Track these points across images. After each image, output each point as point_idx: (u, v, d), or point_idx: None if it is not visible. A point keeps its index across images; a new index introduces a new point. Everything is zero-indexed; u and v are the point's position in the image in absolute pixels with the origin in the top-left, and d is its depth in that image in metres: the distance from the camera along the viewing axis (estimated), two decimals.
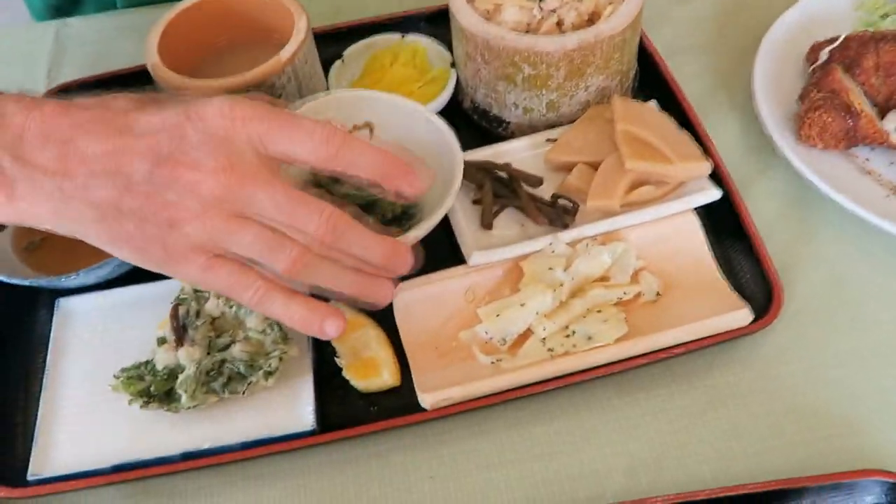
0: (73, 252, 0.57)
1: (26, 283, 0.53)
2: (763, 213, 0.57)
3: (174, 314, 0.50)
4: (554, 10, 0.59)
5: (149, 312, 0.53)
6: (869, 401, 0.48)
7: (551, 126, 0.61)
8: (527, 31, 0.58)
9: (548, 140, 0.60)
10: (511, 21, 0.58)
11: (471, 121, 0.64)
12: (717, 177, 0.56)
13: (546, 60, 0.57)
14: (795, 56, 0.65)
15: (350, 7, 0.75)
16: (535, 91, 0.59)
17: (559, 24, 0.59)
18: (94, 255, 0.55)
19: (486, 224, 0.55)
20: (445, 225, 0.56)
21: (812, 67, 0.63)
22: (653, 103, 0.61)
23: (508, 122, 0.62)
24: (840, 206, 0.55)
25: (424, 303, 0.52)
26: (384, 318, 0.52)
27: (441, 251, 0.55)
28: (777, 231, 0.56)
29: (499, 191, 0.56)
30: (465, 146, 0.60)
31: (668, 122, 0.58)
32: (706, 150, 0.57)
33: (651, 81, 0.64)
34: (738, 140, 0.63)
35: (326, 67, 0.65)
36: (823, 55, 0.62)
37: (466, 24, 0.58)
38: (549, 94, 0.59)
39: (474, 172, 0.57)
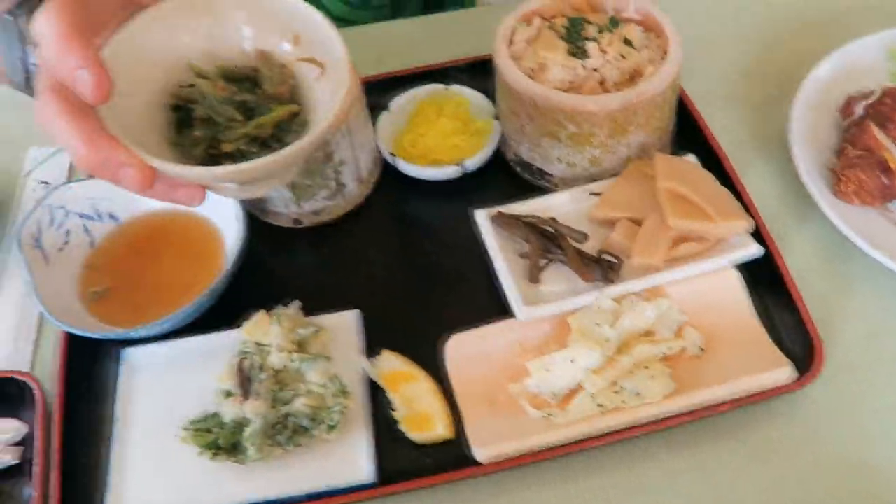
0: (136, 300, 0.60)
1: (95, 336, 0.55)
2: (800, 266, 0.59)
3: (240, 368, 0.52)
4: (596, 69, 0.61)
5: (211, 362, 0.55)
6: None
7: (593, 179, 0.63)
8: (570, 89, 0.61)
9: (590, 193, 0.62)
10: (555, 80, 0.61)
11: (514, 172, 0.67)
12: (756, 232, 0.58)
13: (590, 119, 0.59)
14: (830, 106, 0.67)
15: (391, 56, 0.78)
16: (578, 147, 0.61)
17: (602, 82, 0.61)
18: (158, 303, 0.59)
19: (533, 278, 0.58)
20: (494, 280, 0.58)
21: (847, 122, 0.64)
22: (692, 157, 0.63)
23: (552, 175, 0.64)
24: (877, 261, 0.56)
25: (475, 355, 0.55)
26: (437, 369, 0.54)
27: (490, 303, 0.58)
28: (815, 285, 0.58)
29: (545, 245, 0.59)
30: (509, 197, 0.63)
31: (708, 179, 0.60)
32: (745, 206, 0.59)
33: (688, 134, 0.66)
34: (775, 191, 0.65)
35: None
36: (858, 110, 0.64)
37: (513, 82, 0.60)
38: (592, 150, 0.61)
39: (521, 227, 0.59)
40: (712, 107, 0.70)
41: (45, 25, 0.40)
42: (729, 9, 0.80)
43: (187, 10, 0.46)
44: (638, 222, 0.58)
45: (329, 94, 0.45)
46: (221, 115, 0.46)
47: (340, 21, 0.83)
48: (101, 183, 0.61)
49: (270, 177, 0.47)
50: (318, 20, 0.46)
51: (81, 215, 0.62)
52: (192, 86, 0.47)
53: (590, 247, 0.59)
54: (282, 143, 0.46)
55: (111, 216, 0.63)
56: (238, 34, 0.47)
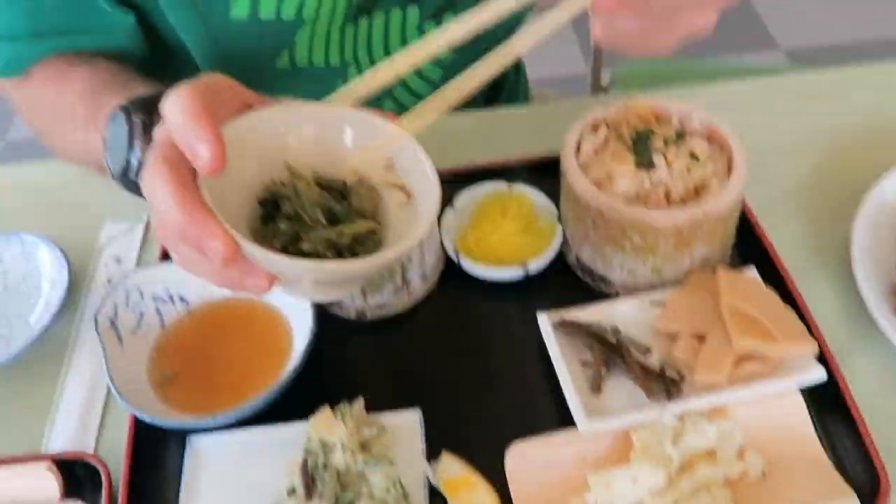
0: (204, 386, 0.62)
1: (164, 425, 0.57)
2: (863, 389, 0.58)
3: (304, 467, 0.53)
4: (662, 182, 0.62)
5: (275, 454, 0.56)
6: None
7: (654, 287, 0.64)
8: (636, 200, 0.62)
9: (652, 302, 0.63)
10: (622, 190, 0.62)
11: (574, 275, 0.68)
12: (818, 354, 0.58)
13: (655, 232, 0.60)
14: (894, 224, 0.68)
15: (454, 147, 0.80)
16: (641, 257, 0.62)
17: (667, 194, 0.62)
18: (225, 390, 0.61)
19: (596, 388, 0.58)
20: (554, 385, 0.59)
21: None
22: (753, 271, 0.64)
23: (612, 282, 0.65)
24: None
25: (536, 465, 0.55)
26: (496, 474, 0.55)
27: (550, 409, 0.58)
28: (877, 408, 0.58)
29: (608, 356, 0.59)
30: (569, 299, 0.64)
31: (771, 297, 0.60)
32: (808, 325, 0.59)
33: (749, 245, 0.67)
34: (836, 309, 0.65)
35: None
36: None
37: (580, 191, 0.62)
38: (654, 261, 0.62)
39: (584, 335, 0.60)
40: (774, 217, 0.71)
41: (176, 101, 0.43)
42: (794, 118, 0.82)
43: (297, 117, 0.49)
44: (700, 337, 0.59)
45: (412, 217, 0.47)
46: (309, 214, 0.48)
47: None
48: (176, 267, 0.65)
49: (349, 281, 0.49)
50: (419, 154, 0.48)
51: (155, 298, 0.64)
52: (283, 184, 0.49)
53: (652, 358, 0.59)
54: (355, 255, 0.48)
55: (182, 299, 0.65)
56: (338, 148, 0.50)
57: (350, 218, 0.49)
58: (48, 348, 0.67)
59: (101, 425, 0.63)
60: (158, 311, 0.64)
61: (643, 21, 0.50)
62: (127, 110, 0.57)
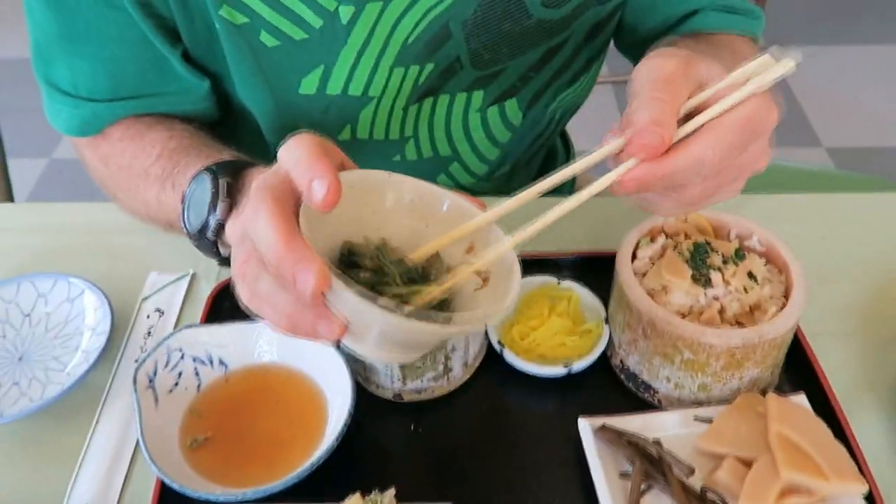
0: (234, 453, 0.61)
1: (193, 495, 0.56)
2: None
3: None
4: (717, 298, 0.62)
5: None
6: None
7: (699, 403, 0.63)
8: (689, 314, 0.61)
9: (696, 418, 0.61)
10: (677, 303, 0.61)
11: (616, 378, 0.67)
12: (867, 494, 0.56)
13: (708, 350, 0.59)
14: None
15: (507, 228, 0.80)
16: (690, 372, 0.61)
17: (721, 311, 0.61)
18: (255, 460, 0.60)
19: (633, 502, 0.57)
20: (589, 492, 0.57)
21: None
22: (802, 398, 0.62)
23: (657, 391, 0.64)
24: None
25: None
26: None
27: None
28: None
29: (648, 470, 0.58)
30: (610, 404, 0.63)
31: (821, 428, 0.59)
32: (857, 461, 0.58)
33: (799, 369, 0.66)
34: (886, 444, 0.63)
35: None
36: None
37: (634, 299, 0.61)
38: (703, 378, 0.61)
39: (625, 445, 0.59)
40: (825, 340, 0.69)
41: (298, 142, 0.45)
42: (852, 243, 0.81)
43: (399, 184, 0.51)
44: (745, 462, 0.57)
45: (484, 302, 0.48)
46: (389, 271, 0.48)
47: (463, 189, 0.86)
48: (223, 329, 0.64)
49: (417, 343, 0.48)
50: (502, 243, 0.48)
51: (195, 359, 0.64)
52: (368, 241, 0.50)
53: (694, 477, 0.58)
54: None
55: (221, 363, 0.65)
56: (429, 222, 0.51)
57: (426, 285, 0.48)
58: (81, 396, 0.67)
59: (127, 479, 0.62)
60: (197, 373, 0.64)
61: (667, 194, 0.50)
62: (213, 172, 0.58)
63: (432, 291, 0.48)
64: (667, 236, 0.66)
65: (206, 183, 0.58)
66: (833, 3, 2.61)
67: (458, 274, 0.48)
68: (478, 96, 0.77)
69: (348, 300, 0.43)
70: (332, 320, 0.43)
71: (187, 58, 0.72)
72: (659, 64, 0.48)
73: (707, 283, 0.62)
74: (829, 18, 2.77)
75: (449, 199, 0.51)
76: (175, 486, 0.55)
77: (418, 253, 0.50)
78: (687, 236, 0.67)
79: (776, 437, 0.57)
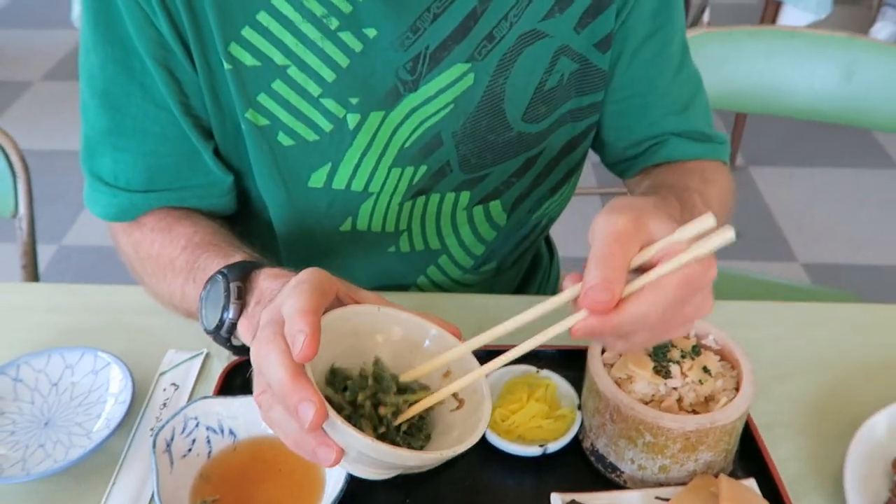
0: None
1: None
2: None
3: None
4: (676, 388, 0.69)
5: None
6: None
7: (660, 484, 0.70)
8: (651, 402, 0.69)
9: (657, 497, 0.68)
10: (640, 391, 0.69)
11: (587, 460, 0.74)
12: None
13: (666, 434, 0.67)
14: (885, 457, 0.73)
15: (490, 322, 0.88)
16: (651, 454, 0.68)
17: (679, 399, 0.69)
18: None
19: None
20: None
21: (895, 479, 0.71)
22: (752, 483, 0.69)
23: (622, 472, 0.71)
24: None
25: None
26: None
27: None
28: None
29: None
30: (580, 483, 0.70)
31: None
32: None
33: (750, 457, 0.73)
34: None
35: None
36: None
37: (602, 387, 0.69)
38: (663, 460, 0.68)
39: None
40: (775, 433, 0.77)
41: (293, 298, 0.54)
42: (804, 342, 0.89)
43: (388, 318, 0.61)
44: None
45: (458, 422, 0.58)
46: (387, 380, 0.58)
47: (451, 282, 0.95)
48: (234, 402, 0.72)
49: (401, 467, 0.57)
50: (478, 375, 0.58)
51: (208, 427, 0.71)
52: (362, 371, 0.60)
53: None
54: (407, 440, 0.58)
55: (231, 432, 0.72)
56: (414, 351, 0.61)
57: (415, 394, 0.58)
58: (99, 459, 0.73)
59: None
60: (209, 441, 0.71)
61: (618, 338, 0.57)
62: (226, 277, 0.67)
63: (421, 400, 0.58)
64: None
65: (220, 286, 0.67)
66: (807, 127, 2.79)
67: (440, 394, 0.58)
68: (465, 196, 0.88)
69: (341, 434, 0.52)
70: (330, 447, 0.53)
71: (216, 154, 0.82)
72: (612, 220, 0.54)
73: (667, 374, 0.70)
74: (805, 141, 2.95)
75: (433, 331, 0.62)
76: None
77: (408, 374, 0.60)
78: None
79: None
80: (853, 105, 1.44)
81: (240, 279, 0.67)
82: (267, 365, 0.52)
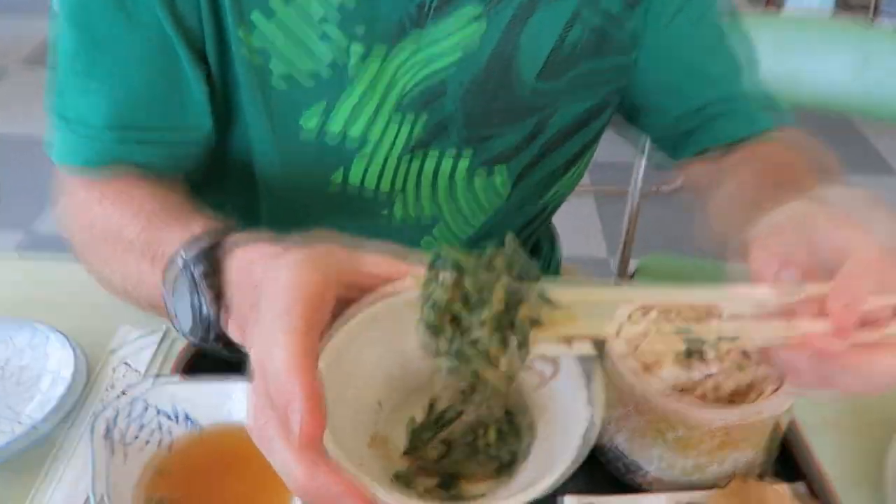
0: None
1: None
2: None
3: None
4: (711, 375, 0.59)
5: None
6: None
7: (691, 486, 0.60)
8: (682, 390, 0.59)
9: (688, 503, 0.58)
10: (668, 378, 0.59)
11: (604, 459, 0.64)
12: None
13: (703, 428, 0.56)
14: None
15: None
16: (682, 452, 0.58)
17: (715, 388, 0.59)
18: None
19: None
20: None
21: None
22: (801, 487, 0.59)
23: (646, 472, 0.61)
24: None
25: None
26: None
27: None
28: None
29: None
30: (595, 487, 0.59)
31: None
32: None
33: (793, 455, 0.63)
34: None
35: None
36: None
37: (624, 373, 0.59)
38: (696, 458, 0.58)
39: None
40: (819, 433, 0.67)
41: (281, 338, 0.40)
42: None
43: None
44: None
45: (548, 401, 0.45)
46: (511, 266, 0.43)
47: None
48: (195, 384, 0.61)
49: None
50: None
51: (160, 412, 0.60)
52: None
53: None
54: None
55: (189, 419, 0.61)
56: None
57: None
58: (31, 451, 0.62)
59: None
60: (161, 428, 0.60)
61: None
62: (186, 262, 0.53)
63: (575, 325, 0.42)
64: (660, 313, 0.65)
65: (183, 272, 0.53)
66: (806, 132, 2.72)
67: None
68: (466, 155, 0.78)
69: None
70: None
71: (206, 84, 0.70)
72: (867, 244, 0.44)
73: (701, 358, 0.60)
74: None
75: None
76: None
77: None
78: (680, 314, 0.65)
79: None
80: (865, 98, 1.37)
81: (204, 260, 0.53)
82: (274, 457, 0.40)
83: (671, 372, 0.59)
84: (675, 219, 2.45)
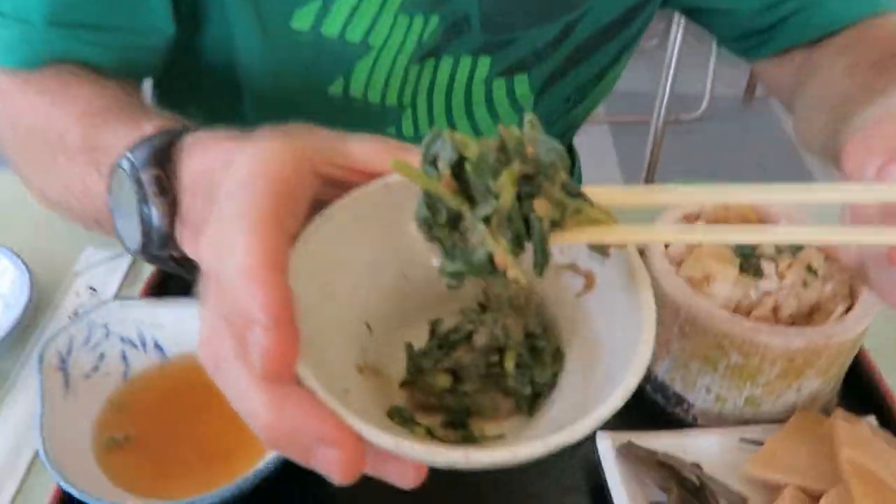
0: (159, 458, 0.48)
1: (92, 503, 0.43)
2: None
3: None
4: (771, 293, 0.50)
5: None
6: None
7: (744, 422, 0.51)
8: (735, 310, 0.50)
9: (743, 440, 0.50)
10: (720, 296, 0.50)
11: (642, 391, 0.55)
12: None
13: (762, 353, 0.47)
14: None
15: None
16: (737, 382, 0.49)
17: (775, 309, 0.50)
18: (183, 468, 0.47)
19: None
20: None
21: None
22: (872, 420, 0.51)
23: (691, 405, 0.52)
24: None
25: None
26: None
27: None
28: None
29: (686, 499, 0.46)
30: (631, 423, 0.51)
31: None
32: None
33: (860, 385, 0.55)
34: None
35: None
36: None
37: (670, 290, 0.50)
38: (752, 389, 0.49)
39: (657, 469, 0.47)
40: (884, 357, 0.58)
41: (240, 241, 0.30)
42: None
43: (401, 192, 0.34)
44: (811, 495, 0.45)
45: (589, 316, 0.35)
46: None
47: None
48: (163, 306, 0.52)
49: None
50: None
51: (123, 339, 0.52)
52: None
53: None
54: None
55: (157, 347, 0.52)
56: None
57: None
58: None
59: (19, 492, 0.49)
60: (124, 357, 0.52)
61: None
62: (133, 163, 0.43)
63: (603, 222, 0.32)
64: (706, 223, 0.56)
65: (127, 178, 0.43)
66: None
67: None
68: (484, 63, 0.67)
69: (413, 457, 0.29)
70: (400, 466, 0.30)
71: None
72: None
73: (758, 273, 0.51)
74: None
75: None
76: (74, 491, 0.42)
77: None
78: (728, 222, 0.56)
79: (849, 466, 0.45)
80: None
81: (155, 163, 0.42)
82: (230, 388, 0.30)
83: (723, 289, 0.50)
84: (696, 149, 2.35)
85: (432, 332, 0.39)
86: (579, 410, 0.31)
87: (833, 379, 0.51)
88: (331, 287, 0.34)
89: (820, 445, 0.47)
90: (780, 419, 0.50)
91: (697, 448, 0.49)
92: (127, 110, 0.51)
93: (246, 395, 0.29)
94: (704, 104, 2.35)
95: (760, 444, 0.49)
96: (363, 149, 0.35)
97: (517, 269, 0.30)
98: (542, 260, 0.31)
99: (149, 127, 0.45)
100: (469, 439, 0.35)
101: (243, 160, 0.33)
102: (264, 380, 0.28)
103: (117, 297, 0.59)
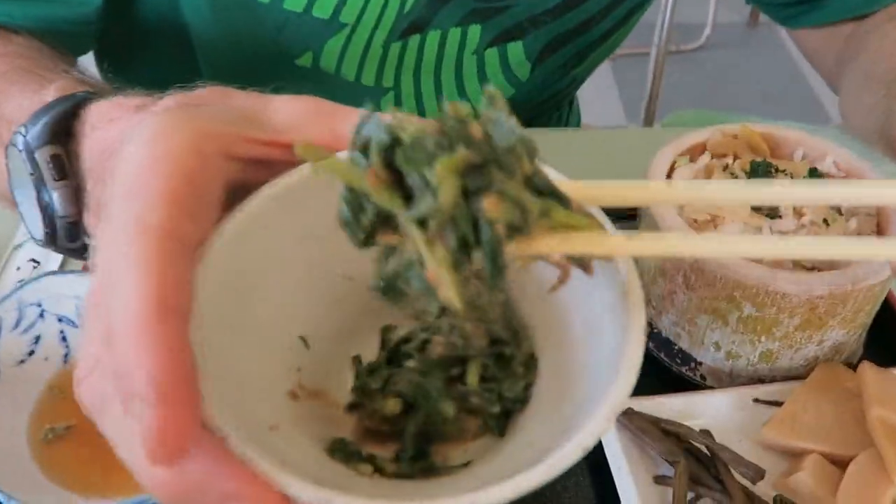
0: (101, 452, 0.43)
1: None
2: None
3: None
4: (788, 234, 0.44)
5: None
6: None
7: (759, 380, 0.46)
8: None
9: (757, 400, 0.44)
10: None
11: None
12: None
13: (780, 303, 0.42)
14: None
15: None
16: (751, 336, 0.44)
17: None
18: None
19: None
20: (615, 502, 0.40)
21: None
22: None
23: (700, 364, 0.47)
24: None
25: None
26: None
27: None
28: None
29: (696, 471, 0.40)
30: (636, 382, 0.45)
31: None
32: None
33: (887, 335, 0.49)
34: None
35: None
36: None
37: (672, 232, 0.44)
38: (768, 343, 0.44)
39: (662, 438, 0.42)
40: None
41: (127, 261, 0.23)
42: None
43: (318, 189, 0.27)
44: (837, 461, 0.40)
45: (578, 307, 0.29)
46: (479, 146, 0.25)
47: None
48: None
49: None
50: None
51: (61, 318, 0.46)
52: None
53: (763, 482, 0.41)
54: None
55: None
56: None
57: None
58: None
59: None
60: (63, 338, 0.46)
61: None
62: (27, 140, 0.35)
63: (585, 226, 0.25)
64: (713, 156, 0.49)
65: (22, 166, 0.36)
66: None
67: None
68: (475, 32, 0.60)
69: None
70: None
71: None
72: None
73: (773, 213, 0.45)
74: None
75: None
76: (3, 499, 0.37)
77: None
78: (737, 156, 0.50)
79: (881, 426, 0.40)
80: None
81: (53, 139, 0.35)
82: (112, 435, 0.25)
83: (734, 231, 0.44)
84: (697, 78, 2.26)
85: (384, 342, 0.33)
86: (558, 429, 0.25)
87: (859, 328, 0.45)
88: (252, 297, 0.28)
89: (846, 404, 0.42)
90: (798, 375, 0.45)
91: (707, 412, 0.44)
92: (40, 73, 0.44)
93: (136, 449, 0.23)
94: (706, 32, 2.25)
95: (777, 404, 0.43)
96: (287, 114, 0.28)
97: (453, 288, 0.24)
98: (495, 273, 0.24)
99: (50, 91, 0.38)
100: (429, 471, 0.29)
101: (135, 148, 0.26)
102: (150, 445, 0.22)
103: (50, 271, 0.53)
